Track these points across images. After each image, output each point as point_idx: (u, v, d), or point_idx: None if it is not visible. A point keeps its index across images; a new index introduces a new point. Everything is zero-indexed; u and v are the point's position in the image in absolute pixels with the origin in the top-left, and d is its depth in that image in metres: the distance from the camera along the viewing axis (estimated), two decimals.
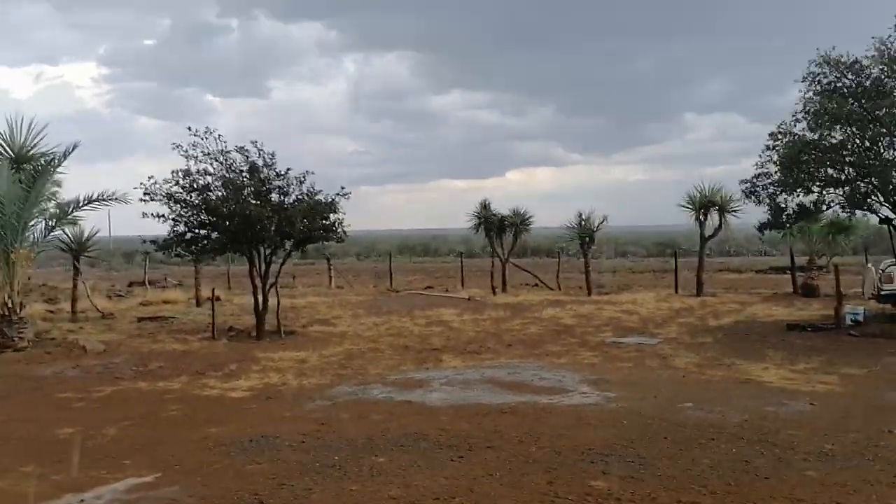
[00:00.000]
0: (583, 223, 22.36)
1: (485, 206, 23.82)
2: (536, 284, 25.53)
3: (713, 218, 20.42)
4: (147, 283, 29.04)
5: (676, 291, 21.19)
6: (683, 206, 20.59)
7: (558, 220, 23.66)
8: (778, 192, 15.12)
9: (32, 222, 12.62)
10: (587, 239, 22.43)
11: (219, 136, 13.47)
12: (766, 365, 10.02)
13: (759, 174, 15.22)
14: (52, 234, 13.54)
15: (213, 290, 15.81)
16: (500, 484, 5.39)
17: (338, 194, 14.17)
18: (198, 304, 20.31)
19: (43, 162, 12.74)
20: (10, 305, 12.18)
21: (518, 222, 23.60)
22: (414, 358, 11.46)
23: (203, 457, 6.33)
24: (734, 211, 19.98)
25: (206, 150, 13.41)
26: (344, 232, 14.36)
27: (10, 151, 12.73)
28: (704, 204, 20.10)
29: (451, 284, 28.28)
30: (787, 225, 16.95)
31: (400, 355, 11.74)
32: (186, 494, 5.34)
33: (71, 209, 13.17)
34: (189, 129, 13.39)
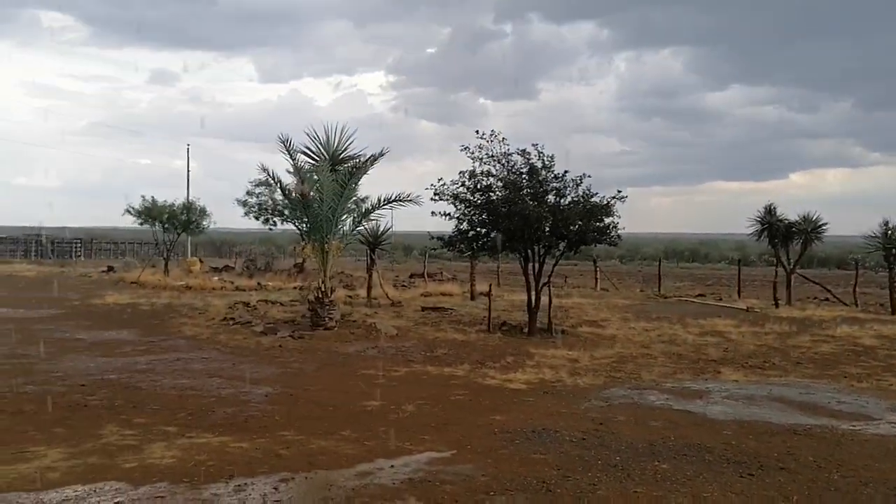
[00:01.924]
0: (889, 232, 19.68)
1: (769, 210, 22.03)
2: (827, 298, 23.09)
3: None
4: (426, 275, 31.48)
5: None
6: None
7: (851, 227, 21.20)
8: None
9: (343, 217, 14.47)
10: (894, 250, 19.70)
11: (503, 139, 14.23)
12: None
13: None
14: (357, 228, 15.41)
15: (490, 286, 16.69)
16: None
17: (614, 197, 14.19)
18: (472, 297, 21.58)
19: (352, 165, 14.50)
20: (323, 290, 14.09)
21: (808, 229, 21.47)
22: (689, 367, 11.09)
23: (490, 441, 6.80)
24: None
25: (490, 153, 14.23)
26: (618, 235, 14.31)
27: (326, 154, 14.66)
28: None
29: (726, 293, 26.67)
30: None
31: (674, 363, 11.44)
32: (480, 473, 5.79)
33: (374, 207, 14.86)
34: (477, 132, 14.32)
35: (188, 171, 40.92)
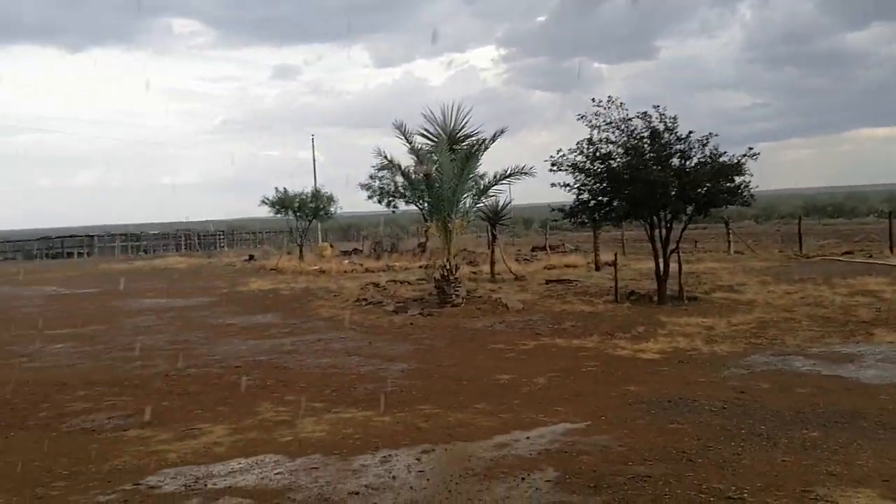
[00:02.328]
0: None
1: None
2: None
3: None
4: (548, 248, 31.33)
5: None
6: None
7: None
8: None
9: (464, 196, 14.67)
10: None
11: (621, 104, 13.87)
12: None
13: None
14: (477, 205, 15.59)
15: (616, 255, 16.38)
16: None
17: (745, 155, 13.55)
18: (597, 268, 21.30)
19: (471, 143, 14.64)
20: (448, 268, 14.39)
21: None
22: (838, 331, 10.47)
23: (625, 412, 6.76)
24: None
25: (608, 119, 13.93)
26: (751, 195, 13.65)
27: (444, 135, 14.87)
28: None
29: (876, 250, 24.77)
30: None
31: (821, 327, 10.83)
32: (617, 444, 5.79)
33: (491, 184, 14.97)
34: (593, 100, 14.05)
35: (314, 160, 42.72)
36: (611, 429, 6.23)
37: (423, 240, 33.35)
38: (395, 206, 33.90)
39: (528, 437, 6.08)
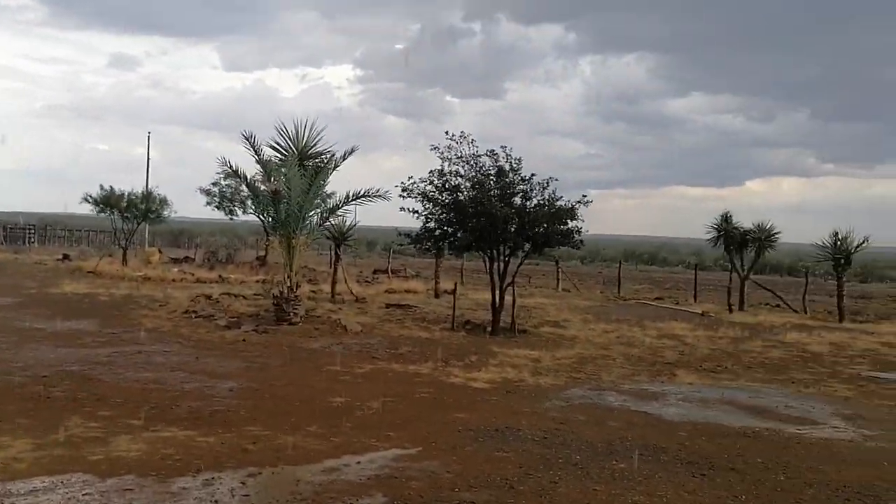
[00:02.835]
0: (839, 242, 20.43)
1: (726, 218, 22.67)
2: (778, 305, 23.82)
3: None
4: (390, 271, 31.55)
5: None
6: None
7: (803, 236, 22.03)
8: None
9: (311, 213, 14.48)
10: (842, 260, 20.47)
11: (472, 140, 14.42)
12: None
13: None
14: (325, 223, 15.44)
15: (456, 284, 16.85)
16: None
17: (578, 202, 14.49)
18: (436, 295, 21.75)
19: (322, 160, 14.53)
20: (289, 285, 14.10)
21: (762, 237, 22.17)
22: (647, 370, 11.42)
23: (454, 439, 6.97)
24: None
25: (459, 153, 14.41)
26: (581, 240, 14.62)
27: (295, 150, 14.65)
28: None
29: (682, 297, 27.31)
30: None
31: (632, 365, 11.76)
32: (445, 470, 5.95)
33: (343, 203, 14.91)
34: (446, 133, 14.49)
35: (148, 158, 40.05)
36: (440, 455, 6.39)
37: (262, 253, 32.45)
38: (234, 215, 32.87)
39: (358, 462, 6.10)
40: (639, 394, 9.37)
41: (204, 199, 32.51)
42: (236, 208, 31.70)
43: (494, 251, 15.00)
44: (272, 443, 6.55)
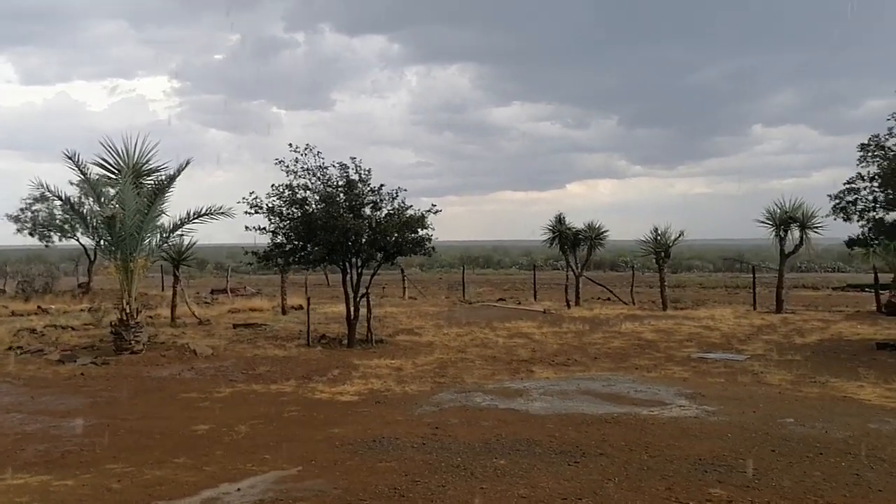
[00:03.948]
0: (658, 237, 22.41)
1: (560, 220, 24.11)
2: (609, 298, 25.63)
3: (793, 234, 20.19)
4: (229, 290, 30.26)
5: (755, 308, 21.05)
6: (762, 222, 20.43)
7: (620, 233, 23.88)
8: (872, 208, 14.94)
9: (150, 234, 13.60)
10: (662, 253, 22.47)
11: (318, 152, 14.26)
12: (861, 383, 10.09)
13: (848, 189, 15.09)
14: (164, 244, 14.56)
15: (308, 299, 16.52)
16: (621, 488, 5.75)
17: (428, 210, 14.77)
18: (284, 312, 21.19)
19: (157, 178, 13.69)
20: (128, 311, 13.15)
21: (593, 236, 23.81)
22: (505, 368, 11.88)
23: (334, 454, 6.87)
24: (816, 227, 19.75)
25: (305, 166, 14.20)
26: (433, 247, 14.92)
27: (127, 167, 13.70)
28: (785, 220, 19.91)
29: (522, 297, 28.60)
30: (877, 242, 16.68)
31: (491, 365, 12.18)
32: (332, 486, 5.86)
33: (184, 221, 14.11)
34: (290, 145, 14.22)
35: None
36: (323, 472, 6.28)
37: (84, 279, 29.90)
38: (48, 241, 30.00)
39: (238, 489, 5.85)
40: (503, 392, 9.73)
41: (11, 226, 29.36)
42: (52, 234, 28.94)
43: (347, 263, 14.93)
44: (139, 479, 6.11)
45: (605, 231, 23.98)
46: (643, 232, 22.98)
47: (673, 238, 22.30)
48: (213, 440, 7.52)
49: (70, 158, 13.47)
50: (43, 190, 14.43)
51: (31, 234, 29.35)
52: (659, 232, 22.40)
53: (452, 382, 10.68)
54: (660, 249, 22.35)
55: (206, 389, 10.27)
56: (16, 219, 29.23)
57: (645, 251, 23.06)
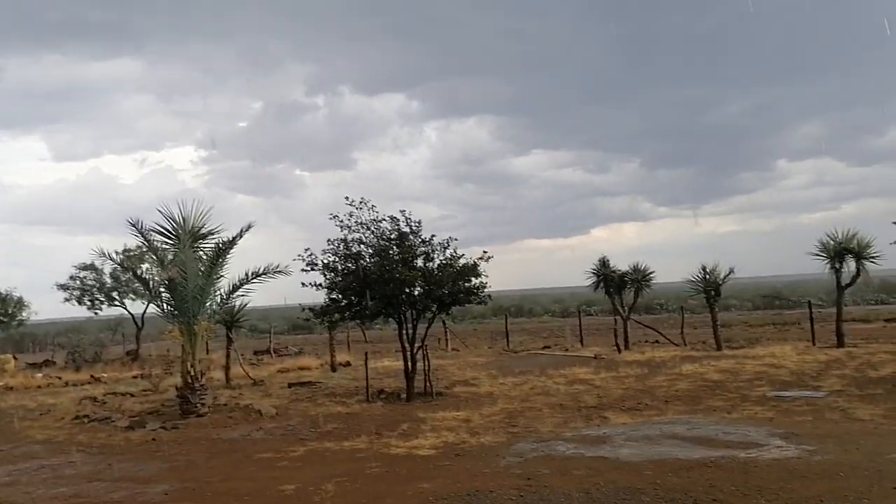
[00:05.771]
0: (707, 276, 22.08)
1: (604, 262, 23.92)
2: (657, 341, 25.18)
3: (849, 265, 19.76)
4: (272, 351, 30.36)
5: (813, 343, 20.52)
6: (816, 255, 20.05)
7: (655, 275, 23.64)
8: None
9: (210, 296, 13.70)
10: (713, 292, 22.11)
11: (372, 206, 14.36)
12: None
13: None
14: (226, 306, 14.65)
15: (366, 354, 16.42)
16: None
17: (480, 258, 14.72)
18: (333, 369, 21.11)
19: (217, 241, 13.87)
20: (193, 374, 13.16)
21: (639, 278, 23.55)
22: (576, 416, 11.61)
23: None
24: (873, 257, 19.33)
25: (359, 220, 14.30)
26: (488, 295, 14.82)
27: (185, 232, 13.90)
28: (839, 251, 19.54)
29: (566, 344, 28.23)
30: None
31: (560, 413, 11.92)
32: None
33: (243, 282, 14.19)
34: (346, 198, 14.36)
35: None
36: None
37: (132, 346, 30.19)
38: (97, 309, 30.44)
39: None
40: (584, 439, 9.48)
41: (59, 295, 29.85)
42: (102, 301, 29.36)
43: (402, 316, 14.87)
44: None
45: (651, 273, 23.72)
46: (671, 273, 22.75)
47: (723, 276, 21.94)
48: (303, 499, 7.37)
49: (133, 226, 13.72)
50: (104, 258, 14.65)
51: (78, 302, 29.80)
52: (707, 270, 22.07)
53: (526, 432, 10.44)
54: (710, 288, 21.99)
55: (280, 449, 10.13)
56: (64, 287, 29.75)
57: (695, 290, 22.68)
